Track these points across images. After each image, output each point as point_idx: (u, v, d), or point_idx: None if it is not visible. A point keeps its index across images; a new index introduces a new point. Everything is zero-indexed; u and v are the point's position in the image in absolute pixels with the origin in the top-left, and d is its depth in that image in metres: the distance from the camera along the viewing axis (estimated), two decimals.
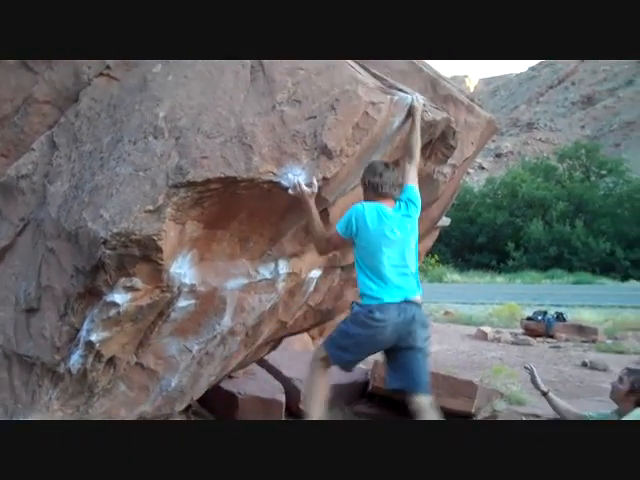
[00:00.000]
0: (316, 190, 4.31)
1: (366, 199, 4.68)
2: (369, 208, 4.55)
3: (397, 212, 4.62)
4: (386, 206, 4.61)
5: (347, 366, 4.92)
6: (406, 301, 4.62)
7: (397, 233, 4.58)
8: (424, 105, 4.79)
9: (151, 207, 4.12)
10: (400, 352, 4.71)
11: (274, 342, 6.87)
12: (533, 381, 4.88)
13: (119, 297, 4.33)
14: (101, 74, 4.93)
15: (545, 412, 8.56)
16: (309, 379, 5.06)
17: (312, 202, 4.35)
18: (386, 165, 4.68)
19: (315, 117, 4.32)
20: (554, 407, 4.93)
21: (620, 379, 4.62)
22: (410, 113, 4.69)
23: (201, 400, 7.07)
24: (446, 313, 18.98)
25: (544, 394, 4.89)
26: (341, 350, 4.73)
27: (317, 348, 4.98)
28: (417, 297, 4.71)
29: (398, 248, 4.61)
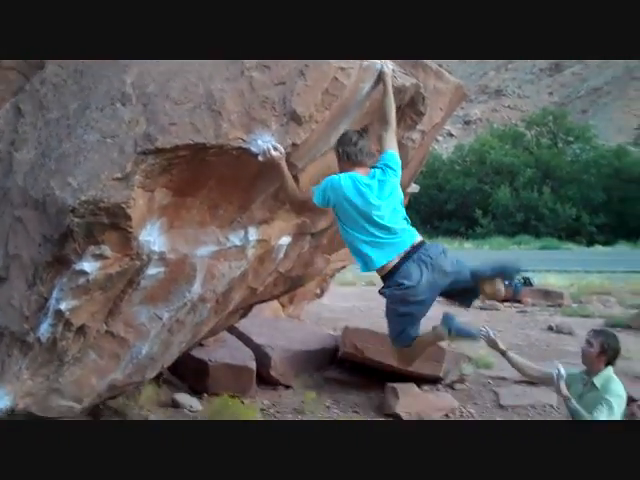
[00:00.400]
0: (284, 152, 4.27)
1: (341, 169, 4.55)
2: (345, 179, 4.39)
3: (372, 179, 4.45)
4: (361, 175, 4.46)
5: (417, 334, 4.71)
6: (412, 248, 4.46)
7: (376, 199, 4.41)
8: (393, 71, 4.77)
9: (119, 174, 4.08)
10: (451, 287, 4.61)
11: (244, 309, 6.89)
12: (491, 341, 4.87)
13: (88, 265, 4.31)
14: None
15: (511, 374, 8.71)
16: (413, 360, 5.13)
17: (284, 165, 4.31)
18: (359, 133, 4.62)
19: (284, 83, 4.29)
20: (514, 365, 4.97)
21: (589, 342, 4.67)
22: (380, 79, 4.66)
23: (172, 368, 7.10)
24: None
25: (503, 353, 4.91)
26: (407, 332, 4.59)
27: (396, 351, 4.79)
28: (417, 239, 4.54)
29: (382, 211, 4.42)
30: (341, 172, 4.51)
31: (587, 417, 4.34)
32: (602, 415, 4.35)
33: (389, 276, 4.41)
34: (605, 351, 4.60)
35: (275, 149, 4.23)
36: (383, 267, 4.41)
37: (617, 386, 4.53)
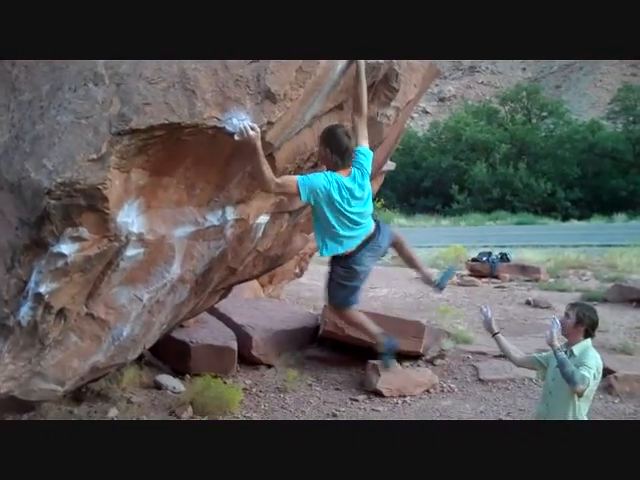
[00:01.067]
0: (259, 132, 4.30)
1: (327, 166, 4.77)
2: (332, 182, 4.64)
3: (353, 182, 4.74)
4: (344, 177, 4.71)
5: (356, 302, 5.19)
6: (368, 238, 4.90)
7: (353, 201, 4.75)
8: None
9: (94, 156, 4.07)
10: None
11: (224, 290, 6.90)
12: (487, 322, 5.01)
13: (66, 248, 4.30)
14: None
15: (490, 350, 8.84)
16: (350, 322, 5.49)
17: (259, 145, 4.34)
18: (348, 136, 4.74)
19: (258, 61, 4.28)
20: (501, 348, 5.08)
21: (566, 314, 4.76)
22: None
23: (154, 350, 7.12)
24: (393, 257, 19.06)
25: (493, 335, 5.03)
26: (349, 299, 5.07)
27: (336, 311, 5.35)
28: (373, 228, 4.95)
29: (355, 210, 4.79)
30: (326, 168, 4.78)
31: (572, 369, 4.42)
32: (584, 371, 4.44)
33: (343, 258, 4.88)
34: (581, 320, 4.68)
35: (252, 129, 4.25)
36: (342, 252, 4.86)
37: (594, 354, 4.61)
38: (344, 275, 4.92)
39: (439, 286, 5.37)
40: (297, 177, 4.64)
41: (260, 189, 4.87)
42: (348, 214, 4.73)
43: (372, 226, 4.94)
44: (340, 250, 4.83)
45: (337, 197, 4.64)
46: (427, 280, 5.42)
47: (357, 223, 4.81)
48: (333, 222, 4.72)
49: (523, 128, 47.76)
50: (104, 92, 4.19)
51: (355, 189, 4.73)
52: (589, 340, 4.71)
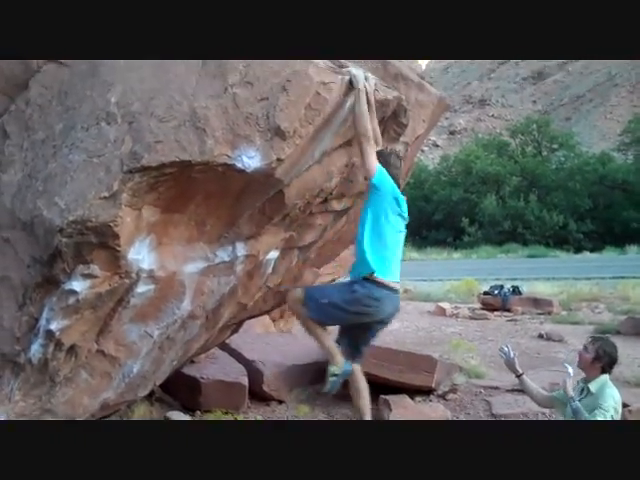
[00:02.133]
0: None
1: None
2: (396, 189, 4.84)
3: (405, 204, 4.98)
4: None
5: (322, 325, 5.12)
6: (394, 289, 4.95)
7: (404, 222, 4.97)
8: (375, 84, 4.83)
9: (106, 193, 4.11)
10: (370, 327, 5.13)
11: (235, 325, 6.89)
12: (509, 362, 4.95)
13: (77, 285, 4.33)
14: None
15: (503, 384, 8.75)
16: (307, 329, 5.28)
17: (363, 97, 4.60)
18: (399, 157, 4.98)
19: (267, 98, 4.34)
20: (526, 389, 5.02)
21: (585, 348, 4.72)
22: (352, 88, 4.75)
23: (164, 386, 7.09)
24: (405, 290, 19.06)
25: (518, 376, 4.96)
26: (325, 320, 5.03)
27: (295, 292, 5.24)
28: (399, 285, 5.03)
29: (402, 235, 4.97)
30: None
31: (586, 417, 4.38)
32: (599, 418, 4.39)
33: (372, 284, 4.79)
34: (600, 357, 4.63)
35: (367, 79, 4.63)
36: (377, 278, 4.80)
37: (612, 391, 4.55)
38: (355, 299, 4.84)
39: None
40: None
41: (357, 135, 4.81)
42: (397, 231, 4.88)
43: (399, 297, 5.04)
44: (387, 276, 4.82)
45: (401, 202, 4.85)
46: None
47: (397, 255, 4.93)
48: (387, 232, 4.80)
49: (534, 160, 47.84)
50: (116, 131, 4.25)
51: (405, 208, 4.93)
52: (606, 376, 4.66)
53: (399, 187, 4.93)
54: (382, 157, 4.85)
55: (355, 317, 4.95)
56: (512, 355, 4.98)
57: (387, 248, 4.82)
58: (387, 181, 4.77)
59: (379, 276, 4.81)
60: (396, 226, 4.84)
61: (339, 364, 5.10)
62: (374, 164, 4.72)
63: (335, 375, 5.13)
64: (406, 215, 4.93)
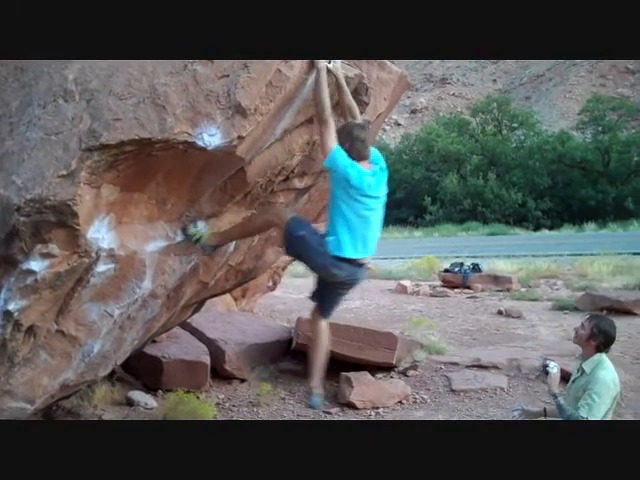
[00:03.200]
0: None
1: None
2: (353, 167, 4.73)
3: (373, 176, 4.87)
4: (365, 170, 4.82)
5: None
6: (358, 262, 5.03)
7: (373, 200, 4.90)
8: (337, 62, 4.81)
9: (64, 172, 4.05)
10: (335, 289, 5.32)
11: (197, 304, 6.87)
12: (552, 380, 4.79)
13: (36, 264, 4.27)
14: None
15: (463, 360, 8.89)
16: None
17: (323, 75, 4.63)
18: (363, 128, 4.86)
19: (228, 76, 4.29)
20: (558, 409, 4.66)
21: (582, 325, 4.73)
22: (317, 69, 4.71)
23: (125, 366, 7.06)
24: (366, 268, 19.17)
25: (554, 396, 4.80)
26: (291, 245, 5.09)
27: (283, 213, 5.22)
28: (367, 259, 5.11)
29: (371, 213, 4.92)
30: None
31: (570, 414, 4.41)
32: (583, 412, 4.40)
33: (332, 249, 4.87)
34: (595, 335, 4.63)
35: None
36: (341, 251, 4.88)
37: (604, 373, 4.55)
38: (321, 252, 4.91)
39: (311, 404, 5.65)
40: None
41: (317, 115, 4.81)
42: (362, 206, 4.82)
43: (369, 255, 5.11)
44: (346, 254, 4.87)
45: (356, 181, 4.72)
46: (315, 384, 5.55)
47: (365, 231, 4.94)
48: (347, 212, 4.80)
49: (494, 139, 48.12)
50: (74, 108, 4.18)
51: (372, 185, 4.84)
52: (602, 355, 4.66)
53: (366, 157, 4.87)
54: (345, 130, 4.81)
55: (315, 264, 5.05)
56: (557, 373, 4.82)
57: (349, 228, 4.82)
58: (341, 163, 4.68)
59: (335, 254, 4.87)
60: (359, 205, 4.80)
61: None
62: (329, 146, 4.68)
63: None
64: (374, 193, 4.86)
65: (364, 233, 4.91)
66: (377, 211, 4.98)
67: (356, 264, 4.99)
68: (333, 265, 4.90)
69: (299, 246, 5.00)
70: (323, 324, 5.57)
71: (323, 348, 5.54)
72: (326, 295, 5.41)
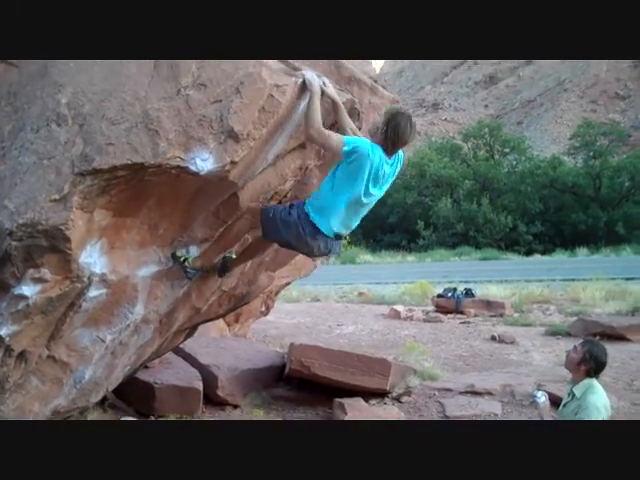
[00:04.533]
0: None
1: (376, 141, 4.72)
2: (375, 152, 4.64)
3: (391, 167, 4.81)
4: (386, 160, 4.75)
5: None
6: (335, 236, 4.91)
7: (378, 191, 4.80)
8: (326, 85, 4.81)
9: (57, 196, 4.05)
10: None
11: (189, 330, 6.84)
12: (539, 411, 4.84)
13: (28, 289, 4.25)
14: None
15: (456, 386, 8.85)
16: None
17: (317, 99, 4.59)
18: (412, 127, 4.76)
19: (221, 101, 4.31)
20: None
21: (575, 348, 4.70)
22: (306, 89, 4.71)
23: (117, 392, 7.00)
24: (360, 294, 19.16)
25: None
26: (266, 227, 4.99)
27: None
28: (345, 233, 5.01)
29: (368, 202, 4.84)
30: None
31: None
32: None
33: (308, 221, 4.79)
34: (586, 360, 4.60)
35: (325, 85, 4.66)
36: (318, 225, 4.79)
37: (594, 397, 4.53)
38: (290, 226, 4.81)
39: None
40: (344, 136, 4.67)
41: (305, 134, 4.74)
42: (363, 197, 4.74)
43: (341, 242, 5.09)
44: (321, 227, 4.77)
45: (373, 168, 4.64)
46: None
47: (354, 216, 4.87)
48: (345, 196, 4.70)
49: (486, 164, 48.34)
50: (67, 132, 4.18)
51: (388, 174, 4.79)
52: (592, 380, 4.61)
53: (396, 150, 4.80)
54: (392, 113, 4.76)
55: (287, 237, 4.90)
56: (544, 400, 4.88)
57: (337, 210, 4.77)
58: (363, 145, 4.60)
59: (316, 222, 4.78)
60: (361, 190, 4.72)
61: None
62: (336, 143, 4.61)
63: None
64: (382, 182, 4.81)
65: (350, 217, 4.87)
66: (372, 201, 4.91)
67: (327, 235, 4.88)
68: (300, 229, 4.79)
69: (271, 225, 4.93)
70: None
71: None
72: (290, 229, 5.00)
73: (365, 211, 4.95)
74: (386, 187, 4.92)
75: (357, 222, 5.00)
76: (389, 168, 4.79)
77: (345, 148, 4.57)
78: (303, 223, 4.77)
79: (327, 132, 4.62)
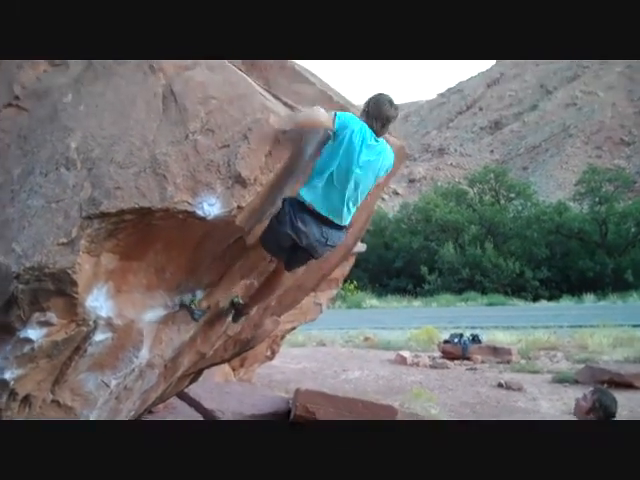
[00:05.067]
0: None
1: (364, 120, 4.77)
2: (363, 127, 4.67)
3: (377, 143, 4.77)
4: (374, 137, 4.75)
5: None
6: (331, 224, 4.80)
7: (364, 159, 4.71)
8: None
9: (64, 239, 4.06)
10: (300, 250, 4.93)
11: (194, 374, 6.80)
12: None
13: (33, 333, 4.24)
14: (9, 105, 4.83)
15: None
16: None
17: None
18: (391, 104, 4.82)
19: (228, 146, 4.34)
20: None
21: (584, 396, 4.66)
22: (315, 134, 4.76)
23: None
24: (366, 339, 19.08)
25: None
26: (272, 244, 4.93)
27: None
28: (338, 222, 4.85)
29: (357, 178, 4.73)
30: None
31: None
32: None
33: (303, 208, 4.69)
34: (595, 409, 4.56)
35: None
36: (308, 203, 4.69)
37: None
38: (283, 219, 4.73)
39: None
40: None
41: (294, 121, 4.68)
42: (352, 168, 4.66)
43: (343, 231, 4.95)
44: (307, 197, 4.68)
45: (358, 139, 4.62)
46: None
47: (345, 191, 4.72)
48: (331, 171, 4.64)
49: (491, 209, 48.42)
50: (75, 176, 4.21)
51: (372, 148, 4.73)
52: None
53: (379, 133, 4.80)
54: (375, 99, 4.84)
55: (282, 235, 4.77)
56: None
57: (327, 186, 4.70)
58: (352, 120, 4.65)
59: (310, 204, 4.70)
60: (349, 165, 4.68)
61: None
62: (326, 116, 4.60)
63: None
64: (368, 156, 4.73)
65: (340, 197, 4.75)
66: (362, 177, 4.80)
67: (322, 219, 4.78)
68: (296, 220, 4.70)
69: (268, 235, 4.90)
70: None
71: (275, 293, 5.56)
72: (290, 255, 5.08)
73: (358, 191, 4.82)
74: (372, 174, 4.84)
75: (347, 205, 4.83)
76: (374, 151, 4.76)
77: (337, 122, 4.61)
78: (294, 209, 4.70)
79: (313, 109, 4.65)
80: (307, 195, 4.68)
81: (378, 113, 4.76)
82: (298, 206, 4.69)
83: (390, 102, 4.83)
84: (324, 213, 4.72)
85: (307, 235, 4.73)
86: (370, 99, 4.86)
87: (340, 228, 4.89)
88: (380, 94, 4.89)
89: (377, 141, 4.77)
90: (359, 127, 4.64)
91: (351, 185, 4.72)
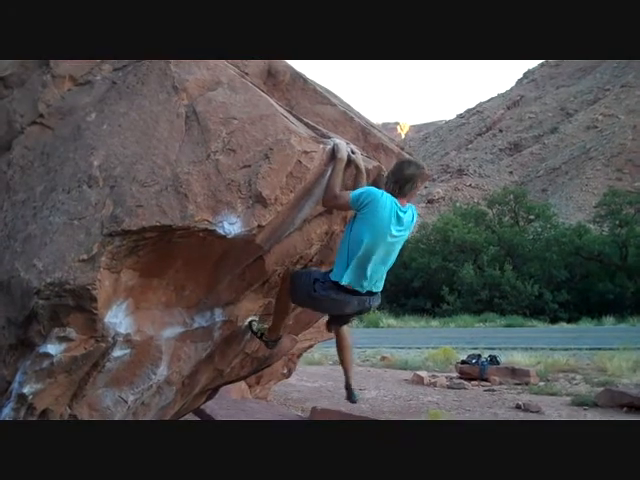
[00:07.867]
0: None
1: (387, 190, 4.81)
2: (386, 196, 4.70)
3: (405, 214, 4.84)
4: (400, 205, 4.79)
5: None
6: (368, 292, 4.97)
7: (396, 235, 4.83)
8: (353, 152, 4.89)
9: (85, 256, 4.10)
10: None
11: (211, 391, 6.81)
12: None
13: (52, 348, 4.28)
14: (34, 122, 4.91)
15: None
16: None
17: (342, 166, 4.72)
18: (413, 165, 4.91)
19: (250, 166, 4.38)
20: None
21: None
22: (349, 161, 4.82)
23: None
24: (383, 358, 19.04)
25: None
26: (294, 295, 5.10)
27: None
28: (374, 291, 5.03)
29: (388, 248, 4.87)
30: None
31: None
32: None
33: (334, 287, 4.86)
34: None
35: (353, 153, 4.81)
36: (347, 284, 4.84)
37: None
38: (313, 297, 4.91)
39: (352, 400, 6.21)
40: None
41: (323, 199, 4.81)
42: (380, 249, 4.77)
43: (376, 292, 5.05)
44: (344, 281, 4.80)
45: (387, 209, 4.66)
46: (346, 384, 6.09)
47: (378, 266, 4.89)
48: (362, 252, 4.71)
49: (511, 230, 48.26)
50: (97, 194, 4.26)
51: (402, 218, 4.80)
52: None
53: (404, 195, 4.84)
54: (398, 164, 4.96)
55: (316, 307, 5.21)
56: None
57: (357, 262, 4.78)
58: (370, 192, 4.68)
59: (343, 283, 4.82)
60: (377, 236, 4.75)
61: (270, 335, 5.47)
62: (345, 197, 4.69)
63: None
64: (398, 227, 4.83)
65: (374, 270, 4.88)
66: (393, 248, 4.96)
67: (355, 293, 4.93)
68: (328, 301, 4.93)
69: (298, 296, 5.06)
70: (343, 328, 5.72)
71: (349, 349, 5.89)
72: (340, 319, 5.50)
73: (390, 257, 4.98)
74: (407, 233, 4.96)
75: (381, 274, 5.02)
76: (404, 215, 4.83)
77: (352, 195, 4.68)
78: (332, 290, 4.86)
79: (340, 193, 4.72)
80: (345, 279, 4.81)
81: (401, 176, 4.82)
82: (335, 286, 4.86)
83: (414, 162, 4.96)
84: (362, 290, 4.90)
85: (350, 307, 5.04)
86: (393, 167, 4.97)
87: (376, 293, 5.09)
88: (402, 159, 5.07)
89: (404, 211, 4.83)
90: (383, 201, 4.68)
91: (384, 258, 4.92)
